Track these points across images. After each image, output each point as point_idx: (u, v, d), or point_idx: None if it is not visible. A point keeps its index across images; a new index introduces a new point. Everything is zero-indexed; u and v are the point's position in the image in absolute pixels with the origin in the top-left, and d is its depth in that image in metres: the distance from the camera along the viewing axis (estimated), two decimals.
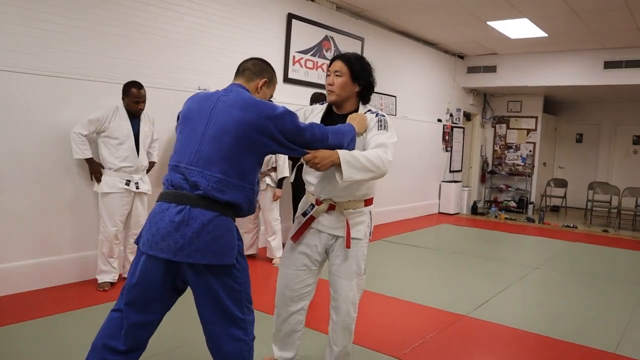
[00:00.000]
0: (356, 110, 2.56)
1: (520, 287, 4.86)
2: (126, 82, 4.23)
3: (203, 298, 2.07)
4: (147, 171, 4.48)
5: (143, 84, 4.32)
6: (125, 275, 4.43)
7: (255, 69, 2.28)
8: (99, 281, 4.23)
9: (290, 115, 2.11)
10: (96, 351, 2.09)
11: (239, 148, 2.03)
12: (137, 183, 4.26)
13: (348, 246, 2.50)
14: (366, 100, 2.60)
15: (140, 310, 2.07)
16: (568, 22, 7.11)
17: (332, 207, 2.51)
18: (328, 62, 6.42)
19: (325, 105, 2.64)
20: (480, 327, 3.70)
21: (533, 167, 10.93)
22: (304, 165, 2.49)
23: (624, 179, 10.82)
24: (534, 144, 10.92)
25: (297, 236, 2.60)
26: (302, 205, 2.66)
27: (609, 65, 8.53)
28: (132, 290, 2.06)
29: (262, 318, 3.05)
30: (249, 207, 2.14)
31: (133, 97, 4.17)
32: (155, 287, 2.05)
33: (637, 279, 5.32)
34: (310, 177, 2.56)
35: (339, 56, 2.52)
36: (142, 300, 2.06)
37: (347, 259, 2.53)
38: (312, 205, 2.56)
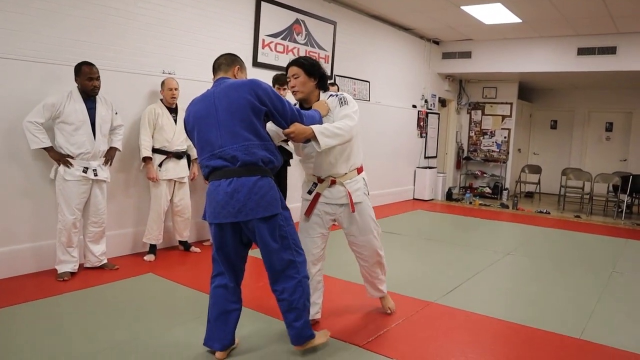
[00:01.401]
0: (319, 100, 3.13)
1: (490, 273, 4.84)
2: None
3: (262, 247, 2.67)
4: (111, 159, 4.32)
5: (107, 68, 4.20)
6: (87, 265, 4.33)
7: (228, 61, 2.84)
8: (59, 271, 4.11)
9: (272, 90, 2.70)
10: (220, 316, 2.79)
11: (248, 114, 2.59)
12: (95, 170, 4.12)
13: (353, 210, 3.14)
14: (325, 89, 3.14)
15: (230, 263, 2.76)
16: (541, 8, 7.08)
17: (333, 182, 3.11)
18: (299, 46, 6.40)
19: (296, 104, 3.17)
20: (447, 314, 3.66)
21: (508, 153, 10.97)
22: (302, 155, 3.13)
23: (597, 165, 10.94)
24: (509, 130, 10.95)
25: (310, 211, 3.16)
26: (305, 186, 3.21)
27: (582, 51, 8.55)
28: (219, 252, 2.73)
29: None
30: (276, 158, 2.71)
31: (85, 74, 4.01)
32: (229, 244, 2.70)
33: (605, 264, 5.35)
34: (310, 162, 3.11)
35: (290, 62, 3.08)
36: (226, 255, 2.73)
37: (360, 220, 3.19)
38: (315, 184, 3.14)
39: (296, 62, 3.05)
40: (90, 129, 4.05)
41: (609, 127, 11.48)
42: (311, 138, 2.79)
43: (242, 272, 2.84)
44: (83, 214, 4.20)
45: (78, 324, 3.24)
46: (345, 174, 3.12)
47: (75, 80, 4.05)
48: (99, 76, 4.09)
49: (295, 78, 3.03)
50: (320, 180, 3.12)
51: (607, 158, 11.32)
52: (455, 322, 3.53)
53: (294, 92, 3.08)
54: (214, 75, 2.83)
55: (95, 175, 4.12)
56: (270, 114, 2.67)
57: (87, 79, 4.01)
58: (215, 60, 2.85)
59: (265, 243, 2.64)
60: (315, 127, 2.79)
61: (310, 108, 3.05)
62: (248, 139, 2.58)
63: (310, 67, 3.03)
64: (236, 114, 2.58)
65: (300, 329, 2.74)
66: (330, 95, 3.12)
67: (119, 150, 4.44)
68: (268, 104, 2.64)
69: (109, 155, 4.31)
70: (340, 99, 3.06)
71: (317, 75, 3.06)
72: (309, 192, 3.16)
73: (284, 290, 2.70)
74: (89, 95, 4.09)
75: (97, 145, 4.11)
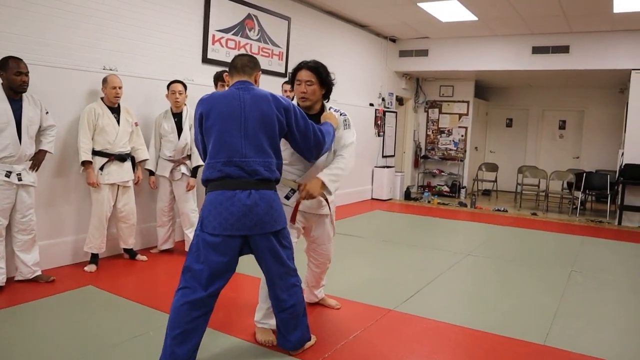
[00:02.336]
0: (322, 109, 3.09)
1: (450, 276, 4.70)
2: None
3: (268, 257, 2.64)
4: (38, 163, 3.96)
5: (40, 63, 3.89)
6: (19, 278, 3.95)
7: (252, 64, 2.74)
8: None
9: (297, 107, 2.76)
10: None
11: (275, 132, 2.60)
12: (19, 174, 3.76)
13: (332, 222, 3.28)
14: (327, 98, 3.13)
15: (219, 277, 2.56)
16: (498, 6, 7.04)
17: None
18: (252, 42, 6.10)
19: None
20: (406, 323, 3.48)
21: (465, 151, 10.98)
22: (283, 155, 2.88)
23: (551, 163, 11.08)
24: (466, 128, 10.95)
25: (294, 219, 3.03)
26: (281, 191, 2.96)
27: (536, 50, 8.59)
28: (212, 265, 2.52)
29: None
30: (280, 177, 2.72)
31: (13, 69, 3.65)
32: (231, 256, 2.56)
33: (564, 263, 5.31)
34: (294, 168, 3.01)
35: (305, 66, 2.99)
36: (221, 270, 2.55)
37: (328, 229, 3.27)
38: (293, 190, 3.01)
39: (312, 68, 2.98)
40: (15, 131, 3.69)
41: (562, 125, 11.65)
42: (322, 187, 2.89)
43: (226, 283, 2.65)
44: (9, 222, 3.83)
45: (6, 345, 2.91)
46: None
47: (0, 76, 3.68)
48: (28, 72, 3.74)
49: (309, 85, 2.96)
50: None
51: (560, 155, 11.49)
52: (415, 331, 3.36)
53: (302, 99, 3.00)
54: (231, 75, 2.73)
55: (20, 179, 3.76)
56: (290, 134, 2.70)
57: (15, 73, 3.65)
58: (238, 59, 2.75)
59: (275, 254, 2.65)
60: (324, 178, 2.88)
61: (313, 115, 3.01)
62: (270, 156, 2.60)
63: (325, 77, 3.00)
64: (265, 129, 2.58)
65: (303, 334, 2.86)
66: (331, 108, 3.12)
67: (50, 153, 4.07)
68: (293, 125, 2.67)
69: (37, 158, 3.94)
70: (345, 120, 3.09)
71: (328, 85, 3.05)
72: (287, 197, 3.02)
73: (289, 299, 2.74)
74: (16, 93, 3.72)
75: (23, 148, 3.75)
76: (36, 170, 3.94)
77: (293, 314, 2.79)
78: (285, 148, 2.92)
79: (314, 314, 3.54)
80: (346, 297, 3.89)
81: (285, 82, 6.13)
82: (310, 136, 2.75)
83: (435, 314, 3.64)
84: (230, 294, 3.91)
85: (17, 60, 3.69)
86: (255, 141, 2.55)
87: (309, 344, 2.95)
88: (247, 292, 3.88)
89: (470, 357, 3.01)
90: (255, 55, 6.27)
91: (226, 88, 4.91)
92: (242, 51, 6.18)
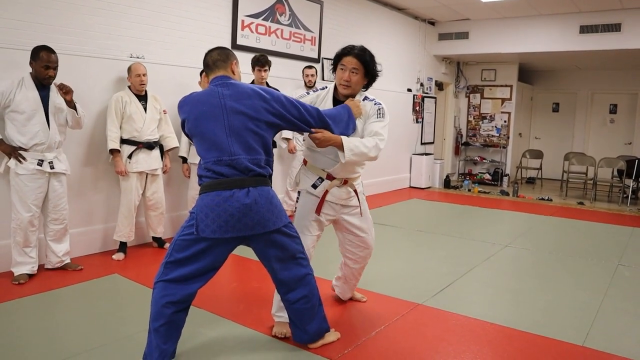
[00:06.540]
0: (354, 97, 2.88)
1: (486, 268, 4.48)
2: (35, 45, 3.71)
3: (275, 251, 2.55)
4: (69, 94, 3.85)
5: (68, 52, 3.85)
6: (48, 266, 3.99)
7: (223, 57, 2.59)
8: (15, 274, 3.77)
9: (283, 95, 2.58)
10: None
11: (262, 127, 2.46)
12: (51, 162, 3.77)
13: (361, 215, 3.04)
14: (367, 88, 2.95)
15: (202, 276, 2.49)
16: None
17: (345, 182, 2.91)
18: (282, 27, 5.98)
19: (329, 91, 2.92)
20: (434, 318, 3.31)
21: (508, 138, 10.57)
22: (311, 143, 2.75)
23: (601, 149, 10.57)
24: (509, 114, 10.54)
25: (320, 210, 2.91)
26: (307, 179, 2.93)
27: (584, 29, 8.12)
28: (205, 268, 2.47)
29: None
30: (272, 173, 2.61)
31: (43, 61, 3.64)
32: (224, 257, 2.52)
33: (610, 257, 4.99)
34: (325, 157, 2.85)
35: (352, 53, 2.80)
36: (212, 268, 2.51)
37: (363, 221, 3.07)
38: (321, 179, 2.89)
39: (359, 56, 2.79)
40: (44, 118, 3.70)
41: (613, 109, 11.07)
42: (337, 147, 2.66)
43: (208, 281, 2.57)
44: (42, 211, 3.86)
45: (33, 331, 2.94)
46: (357, 176, 3.00)
47: (30, 64, 3.69)
48: (57, 65, 3.74)
49: (354, 73, 2.79)
50: (331, 178, 2.88)
51: (611, 141, 10.93)
52: (443, 327, 3.18)
53: (344, 86, 2.83)
54: (207, 73, 2.61)
55: (52, 168, 3.78)
56: (287, 124, 2.57)
57: (43, 66, 3.66)
58: (208, 57, 2.60)
59: (282, 246, 2.56)
60: (345, 141, 2.64)
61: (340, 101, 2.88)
62: (259, 153, 2.48)
63: (372, 68, 2.83)
64: (250, 125, 2.44)
65: (321, 324, 2.75)
66: (365, 98, 2.90)
67: (77, 116, 3.93)
68: (286, 115, 2.53)
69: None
70: (379, 109, 2.84)
71: (373, 76, 2.88)
72: (314, 187, 2.90)
73: (303, 289, 2.64)
74: (43, 84, 3.73)
75: (52, 135, 3.76)
76: (66, 93, 3.79)
77: (308, 305, 2.67)
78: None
79: (338, 307, 3.43)
80: (373, 289, 3.75)
81: (307, 67, 6.00)
82: (306, 117, 2.60)
83: (465, 309, 3.46)
84: (254, 284, 3.87)
85: (49, 53, 3.68)
86: (241, 138, 2.42)
87: (328, 335, 2.82)
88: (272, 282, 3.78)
89: (500, 358, 2.82)
90: (285, 40, 6.16)
91: (263, 73, 4.99)
92: (273, 37, 6.06)
